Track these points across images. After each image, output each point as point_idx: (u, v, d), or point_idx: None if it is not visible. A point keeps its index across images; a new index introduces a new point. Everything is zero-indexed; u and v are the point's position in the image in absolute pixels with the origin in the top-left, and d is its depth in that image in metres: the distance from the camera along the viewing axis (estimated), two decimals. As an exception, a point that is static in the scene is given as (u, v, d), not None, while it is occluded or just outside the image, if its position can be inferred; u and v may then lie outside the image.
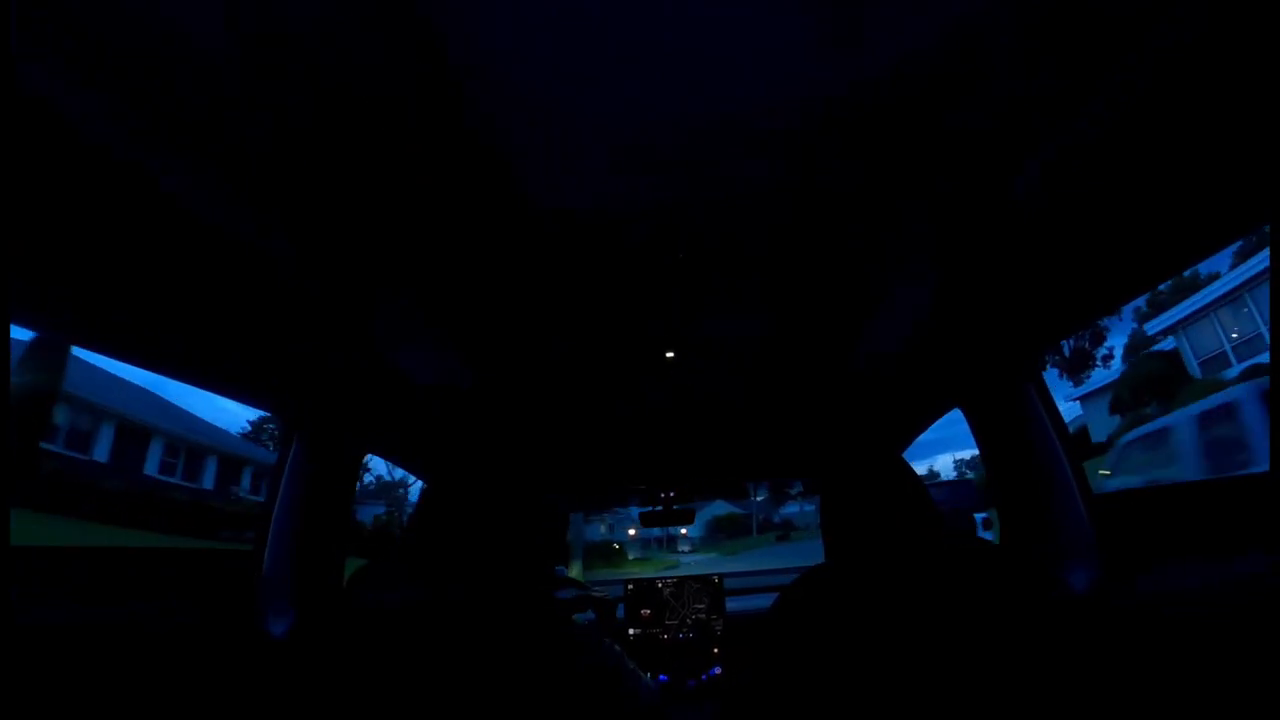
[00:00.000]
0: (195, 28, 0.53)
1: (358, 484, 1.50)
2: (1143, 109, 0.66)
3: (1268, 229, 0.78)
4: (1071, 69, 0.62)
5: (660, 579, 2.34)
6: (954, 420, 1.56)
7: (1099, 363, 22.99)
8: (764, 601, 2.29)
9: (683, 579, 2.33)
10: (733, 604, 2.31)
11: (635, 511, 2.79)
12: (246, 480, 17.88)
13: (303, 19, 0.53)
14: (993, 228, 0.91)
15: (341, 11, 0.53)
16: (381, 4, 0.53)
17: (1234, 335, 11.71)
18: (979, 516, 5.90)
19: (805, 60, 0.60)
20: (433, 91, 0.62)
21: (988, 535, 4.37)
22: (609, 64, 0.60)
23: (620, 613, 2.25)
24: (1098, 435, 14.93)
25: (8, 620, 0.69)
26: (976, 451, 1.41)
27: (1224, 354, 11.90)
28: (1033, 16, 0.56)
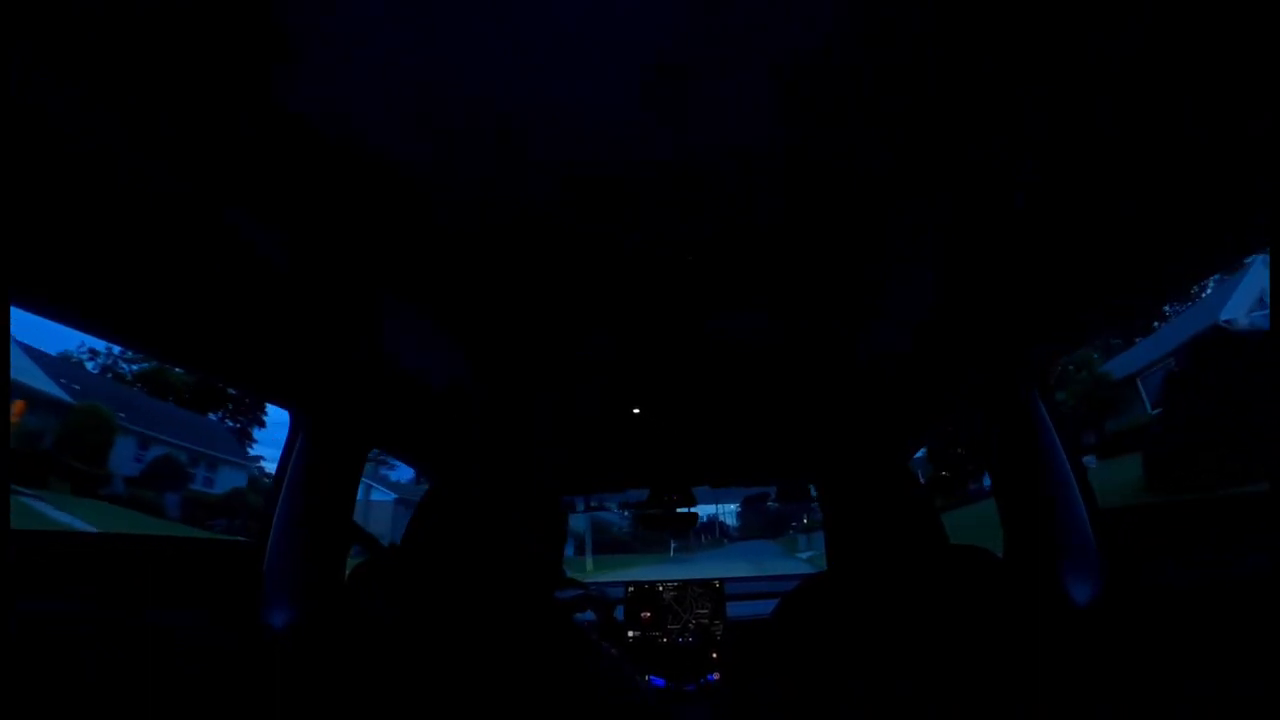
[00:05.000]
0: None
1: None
2: (1151, 107, 0.66)
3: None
4: (1074, 61, 0.62)
5: (661, 582, 2.34)
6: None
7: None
8: (764, 607, 2.28)
9: (685, 583, 2.33)
10: (733, 609, 2.30)
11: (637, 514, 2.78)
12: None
13: None
14: (995, 234, 0.91)
15: None
16: None
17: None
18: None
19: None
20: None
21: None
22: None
23: (620, 615, 2.24)
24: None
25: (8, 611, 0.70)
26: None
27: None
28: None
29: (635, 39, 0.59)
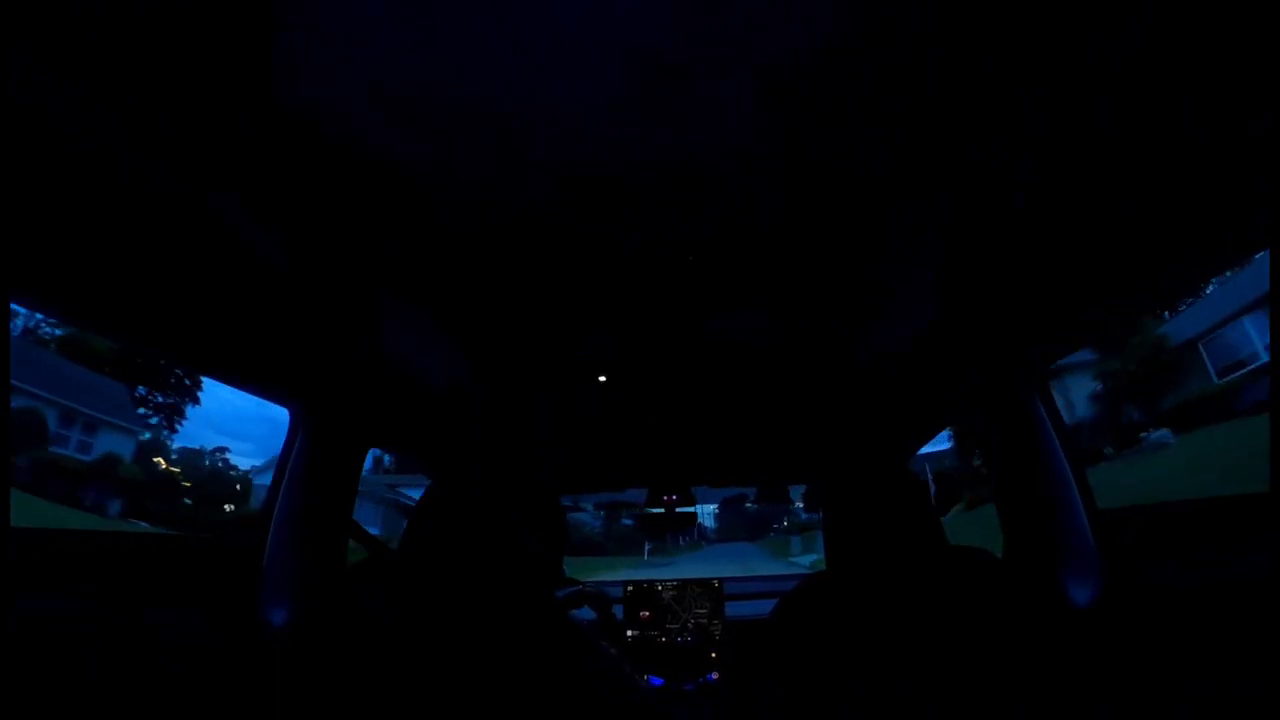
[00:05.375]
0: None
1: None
2: (1151, 107, 0.66)
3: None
4: (1074, 61, 0.62)
5: (661, 582, 2.34)
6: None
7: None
8: (763, 607, 2.28)
9: (684, 582, 2.33)
10: (732, 609, 2.30)
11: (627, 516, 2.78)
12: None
13: None
14: (995, 234, 0.91)
15: None
16: None
17: None
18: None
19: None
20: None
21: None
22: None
23: (619, 614, 2.24)
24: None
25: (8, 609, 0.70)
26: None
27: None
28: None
29: (635, 39, 0.59)
